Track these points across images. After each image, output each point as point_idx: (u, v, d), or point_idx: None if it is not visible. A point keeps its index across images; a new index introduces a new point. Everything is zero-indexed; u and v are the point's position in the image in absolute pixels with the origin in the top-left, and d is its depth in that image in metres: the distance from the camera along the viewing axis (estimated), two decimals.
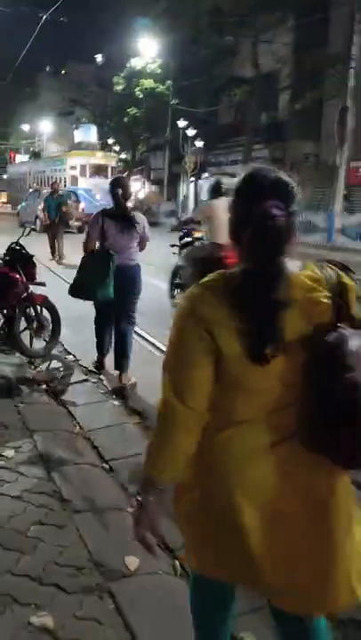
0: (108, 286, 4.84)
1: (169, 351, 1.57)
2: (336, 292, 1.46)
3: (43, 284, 6.12)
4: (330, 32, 25.45)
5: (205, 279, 1.53)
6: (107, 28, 43.33)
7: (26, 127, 56.34)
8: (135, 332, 5.68)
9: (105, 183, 26.62)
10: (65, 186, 27.10)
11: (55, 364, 5.89)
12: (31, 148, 55.22)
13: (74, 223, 18.18)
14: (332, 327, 1.44)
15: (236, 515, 1.50)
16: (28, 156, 48.04)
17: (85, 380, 5.32)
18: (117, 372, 5.22)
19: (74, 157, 29.49)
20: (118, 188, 5.00)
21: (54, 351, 6.15)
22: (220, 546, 1.56)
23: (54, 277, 10.04)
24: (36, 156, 42.56)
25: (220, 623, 1.79)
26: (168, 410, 1.53)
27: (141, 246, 5.14)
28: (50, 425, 4.30)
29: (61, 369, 5.74)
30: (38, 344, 6.00)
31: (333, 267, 1.53)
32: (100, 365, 5.51)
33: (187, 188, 33.12)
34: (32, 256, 5.89)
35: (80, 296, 5.17)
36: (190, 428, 1.53)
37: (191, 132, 29.36)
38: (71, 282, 5.25)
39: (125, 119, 35.11)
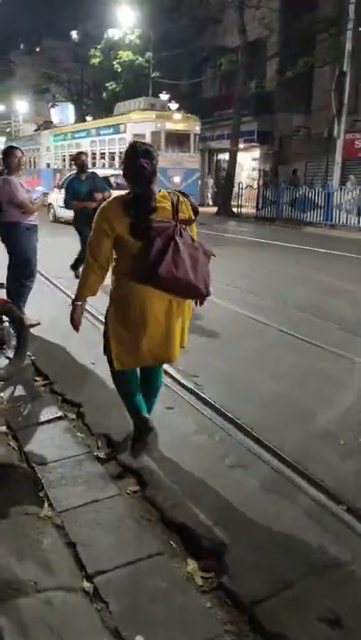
0: None
1: (91, 233, 3.09)
2: (175, 204, 3.04)
3: (1, 286, 4.71)
4: None
5: (109, 199, 3.12)
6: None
7: (0, 107, 54.09)
8: None
9: (188, 160, 20.39)
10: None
11: (20, 389, 4.47)
12: (7, 129, 53.04)
13: None
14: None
15: (137, 316, 3.06)
16: (4, 138, 45.69)
17: (60, 418, 3.90)
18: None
19: (140, 122, 19.98)
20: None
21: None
22: (125, 340, 3.13)
23: None
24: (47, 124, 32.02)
25: (135, 385, 3.35)
26: (88, 261, 3.10)
27: (23, 209, 5.69)
28: (4, 501, 2.90)
29: (29, 398, 4.33)
30: None
31: (178, 193, 3.15)
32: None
33: None
34: None
35: None
36: (96, 272, 3.09)
37: (174, 106, 27.58)
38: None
39: (104, 95, 33.24)
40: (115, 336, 3.13)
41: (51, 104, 40.38)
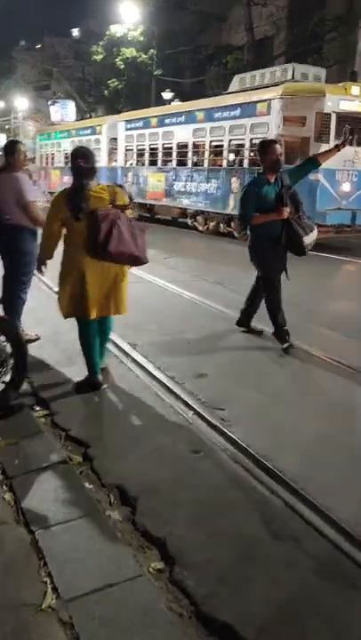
0: None
1: (45, 220, 4.26)
2: (112, 194, 4.03)
3: None
4: None
5: (60, 190, 4.18)
6: None
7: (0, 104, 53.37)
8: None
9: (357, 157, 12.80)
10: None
11: (17, 422, 3.86)
12: (7, 126, 52.29)
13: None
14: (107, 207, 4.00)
15: (77, 277, 4.04)
16: (4, 135, 44.94)
17: (63, 462, 3.30)
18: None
19: (299, 98, 12.49)
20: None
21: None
22: (69, 294, 4.10)
23: None
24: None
25: (94, 336, 4.29)
26: (46, 230, 4.21)
27: (24, 209, 5.03)
28: None
29: (27, 434, 3.71)
30: None
31: (117, 186, 4.21)
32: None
33: None
34: None
35: None
36: (53, 237, 4.16)
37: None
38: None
39: (106, 92, 32.60)
40: (62, 291, 4.12)
41: (51, 101, 39.75)
